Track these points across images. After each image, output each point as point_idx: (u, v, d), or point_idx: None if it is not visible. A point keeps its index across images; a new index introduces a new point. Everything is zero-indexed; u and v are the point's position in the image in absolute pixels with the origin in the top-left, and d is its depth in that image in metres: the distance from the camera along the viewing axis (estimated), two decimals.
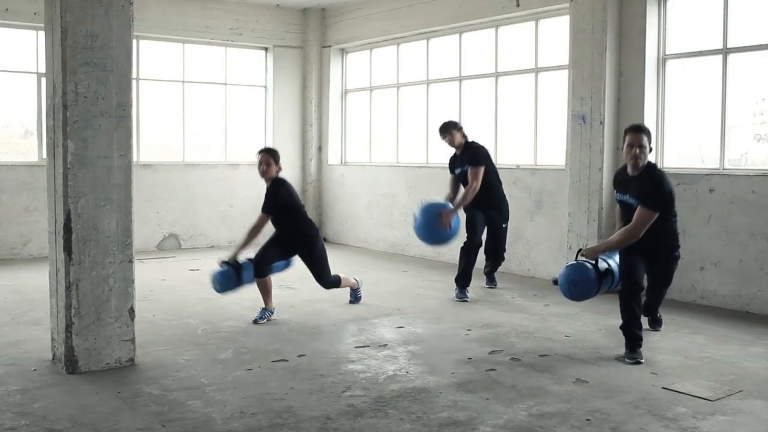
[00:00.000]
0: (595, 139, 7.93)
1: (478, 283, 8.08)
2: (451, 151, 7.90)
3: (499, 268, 8.25)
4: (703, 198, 7.31)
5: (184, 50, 11.57)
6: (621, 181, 5.73)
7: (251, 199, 11.22)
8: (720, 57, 7.39)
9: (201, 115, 11.91)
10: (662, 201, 5.41)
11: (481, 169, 7.52)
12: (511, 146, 9.80)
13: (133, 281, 5.14)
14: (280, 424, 4.09)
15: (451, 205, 7.41)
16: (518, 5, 9.10)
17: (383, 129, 11.87)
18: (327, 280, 6.77)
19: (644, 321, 5.99)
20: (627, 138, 5.50)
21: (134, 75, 9.28)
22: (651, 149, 5.50)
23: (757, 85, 7.36)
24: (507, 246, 8.14)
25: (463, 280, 7.55)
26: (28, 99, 10.44)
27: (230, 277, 6.45)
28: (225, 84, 12.03)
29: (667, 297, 6.18)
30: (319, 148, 12.58)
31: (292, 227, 6.60)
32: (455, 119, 8.37)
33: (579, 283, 5.58)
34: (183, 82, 11.60)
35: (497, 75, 9.75)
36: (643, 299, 5.70)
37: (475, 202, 7.57)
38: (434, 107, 10.82)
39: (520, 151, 9.63)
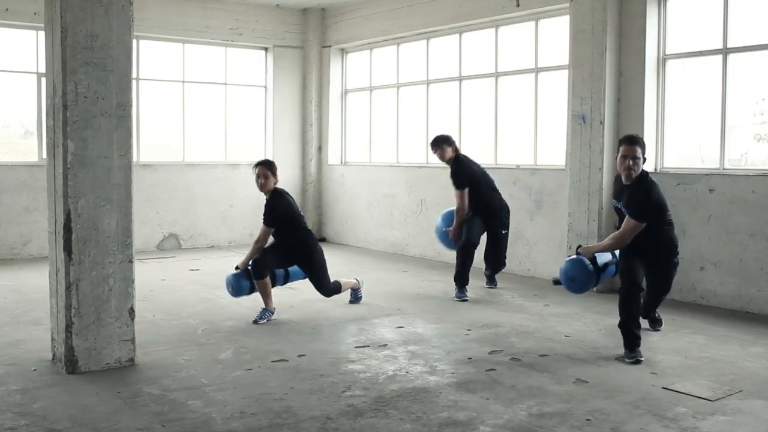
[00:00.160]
0: (595, 139, 7.93)
1: (478, 283, 8.09)
2: None
3: None
4: (703, 198, 7.31)
5: (184, 50, 11.57)
6: (617, 188, 5.81)
7: (251, 199, 11.23)
8: (720, 57, 7.39)
9: (201, 115, 11.91)
10: (648, 213, 5.47)
11: (464, 192, 7.61)
12: (511, 146, 9.80)
13: (133, 281, 5.14)
14: (280, 424, 4.09)
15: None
16: (518, 5, 9.10)
17: (383, 129, 11.87)
18: (326, 288, 6.85)
19: (644, 321, 6.01)
20: (621, 149, 5.53)
21: (134, 75, 9.29)
22: (645, 160, 5.55)
23: (757, 85, 7.36)
24: (507, 246, 8.14)
25: (461, 279, 7.57)
26: (28, 99, 10.44)
27: (243, 281, 6.59)
28: (225, 84, 12.03)
29: (667, 297, 6.18)
30: (319, 148, 12.58)
31: (291, 238, 6.71)
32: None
33: (576, 279, 5.73)
34: (183, 82, 11.60)
35: (497, 75, 9.75)
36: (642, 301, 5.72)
37: (474, 212, 7.70)
38: (434, 107, 10.82)
39: (520, 151, 9.63)
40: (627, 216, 5.49)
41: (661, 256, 5.69)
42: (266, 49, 12.30)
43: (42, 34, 9.11)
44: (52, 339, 5.19)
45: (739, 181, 7.08)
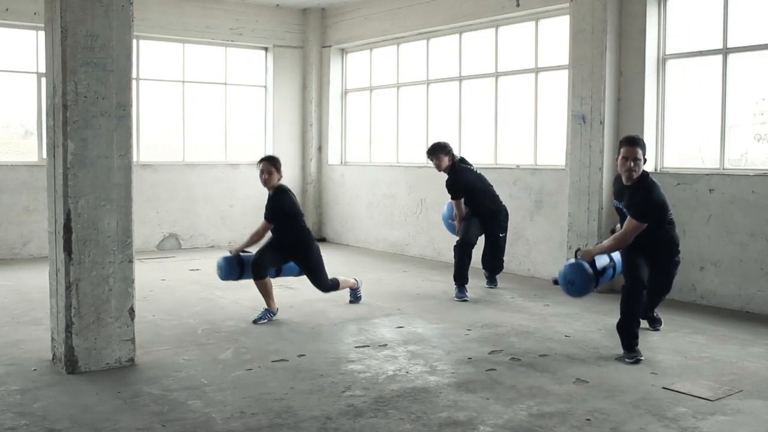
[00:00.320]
0: (595, 139, 7.93)
1: (478, 283, 8.09)
2: None
3: None
4: (703, 198, 7.31)
5: (184, 50, 11.57)
6: (618, 188, 5.81)
7: (251, 199, 11.24)
8: (720, 57, 7.39)
9: (201, 115, 11.91)
10: (650, 213, 5.49)
11: (459, 201, 7.69)
12: (511, 146, 9.80)
13: (133, 281, 5.14)
14: (280, 424, 4.09)
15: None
16: (518, 5, 9.10)
17: (383, 129, 11.87)
18: (324, 283, 6.84)
19: (643, 321, 6.01)
20: (622, 150, 5.54)
21: (134, 75, 9.29)
22: (645, 161, 5.56)
23: (757, 85, 7.36)
24: (507, 246, 8.17)
25: (460, 278, 7.57)
26: (28, 99, 10.44)
27: (234, 265, 6.64)
28: (225, 84, 12.03)
29: (667, 297, 6.18)
30: (319, 148, 12.58)
31: (290, 235, 6.70)
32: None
33: (576, 283, 5.69)
34: (183, 82, 11.60)
35: (497, 75, 9.75)
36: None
37: (473, 213, 7.73)
38: (434, 107, 10.82)
39: (520, 151, 9.63)
40: (628, 216, 5.50)
41: (663, 255, 5.70)
42: (266, 49, 12.30)
43: (42, 34, 9.11)
44: (52, 339, 5.19)
45: (739, 181, 7.08)
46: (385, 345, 5.78)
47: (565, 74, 8.52)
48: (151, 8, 10.82)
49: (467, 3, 9.81)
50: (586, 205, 8.00)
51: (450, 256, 8.58)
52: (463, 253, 7.62)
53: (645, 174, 5.57)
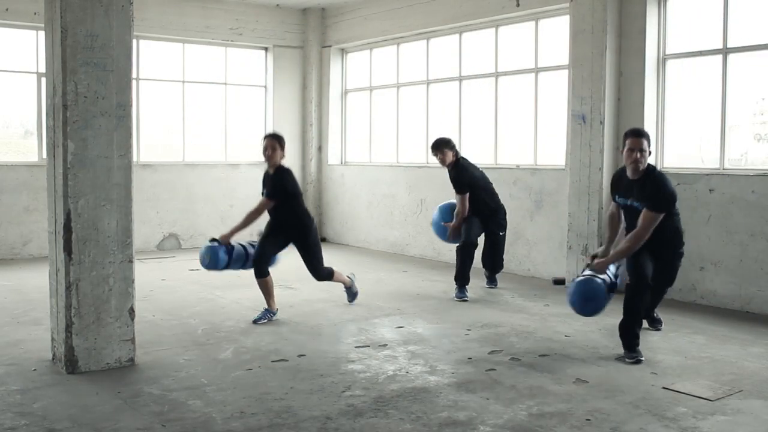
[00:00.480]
0: (595, 139, 7.93)
1: (478, 283, 8.09)
2: None
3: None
4: (703, 198, 7.31)
5: (184, 50, 11.57)
6: (622, 185, 5.69)
7: (251, 199, 11.10)
8: (720, 57, 7.39)
9: (201, 115, 11.90)
10: (665, 202, 5.43)
11: (465, 196, 7.63)
12: (511, 146, 9.80)
13: (133, 281, 5.14)
14: (280, 424, 4.09)
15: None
16: (518, 5, 9.10)
17: (383, 129, 11.87)
18: (320, 270, 6.77)
19: (643, 322, 6.01)
20: (627, 142, 5.50)
21: (134, 75, 9.28)
22: (650, 153, 5.52)
23: (757, 85, 7.36)
24: (507, 246, 8.17)
25: (461, 279, 7.57)
26: (28, 99, 10.44)
27: (218, 255, 6.46)
28: (225, 84, 12.03)
29: (667, 297, 6.18)
30: (319, 148, 12.58)
31: (290, 216, 6.61)
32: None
33: (594, 300, 5.43)
34: (183, 82, 11.60)
35: (497, 75, 9.75)
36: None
37: (473, 212, 7.71)
38: (434, 107, 10.82)
39: (520, 151, 9.63)
40: (644, 210, 5.38)
41: (668, 247, 5.62)
42: (266, 49, 12.30)
43: (42, 34, 9.11)
44: (52, 339, 5.19)
45: (739, 181, 7.08)
46: (385, 345, 5.78)
47: (565, 74, 8.52)
48: (151, 8, 10.82)
49: (467, 3, 9.81)
50: (586, 205, 8.00)
51: (450, 256, 8.59)
52: (466, 254, 7.62)
53: (652, 167, 5.53)
